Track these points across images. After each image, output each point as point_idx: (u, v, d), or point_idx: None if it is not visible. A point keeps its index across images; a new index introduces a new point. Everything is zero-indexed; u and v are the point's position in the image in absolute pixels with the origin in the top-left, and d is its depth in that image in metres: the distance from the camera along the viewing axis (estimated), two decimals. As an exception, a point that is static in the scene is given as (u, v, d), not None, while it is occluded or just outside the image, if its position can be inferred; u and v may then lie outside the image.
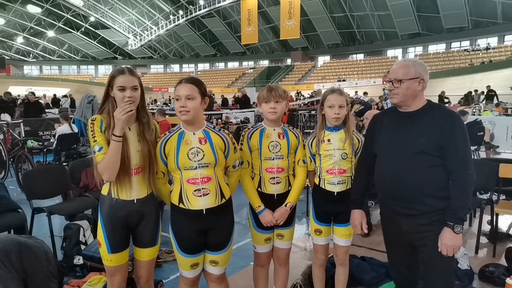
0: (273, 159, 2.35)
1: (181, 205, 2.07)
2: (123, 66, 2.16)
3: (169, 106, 18.47)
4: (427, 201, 1.96)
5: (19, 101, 14.56)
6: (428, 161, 1.95)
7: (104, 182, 2.07)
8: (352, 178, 2.46)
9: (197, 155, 2.03)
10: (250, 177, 2.40)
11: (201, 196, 2.04)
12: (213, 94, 17.82)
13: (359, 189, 2.32)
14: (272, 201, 2.38)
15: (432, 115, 1.98)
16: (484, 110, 12.12)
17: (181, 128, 2.11)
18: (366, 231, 2.29)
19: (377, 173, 2.14)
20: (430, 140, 1.93)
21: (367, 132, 2.33)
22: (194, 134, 2.07)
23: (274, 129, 2.38)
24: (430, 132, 1.94)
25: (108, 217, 2.07)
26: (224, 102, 18.89)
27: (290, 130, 2.43)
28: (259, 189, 2.38)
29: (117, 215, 2.06)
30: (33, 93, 11.46)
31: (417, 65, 1.99)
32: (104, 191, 2.10)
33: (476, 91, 18.77)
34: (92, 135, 1.99)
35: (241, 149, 2.35)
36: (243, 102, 15.11)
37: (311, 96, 13.56)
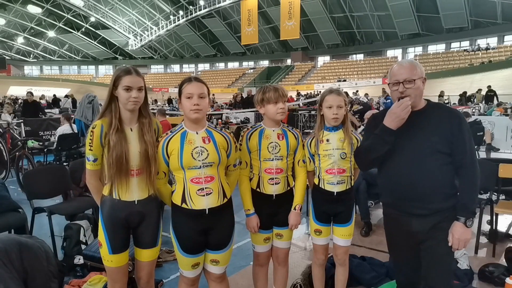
0: (272, 160, 2.34)
1: (184, 205, 2.06)
2: (128, 66, 2.13)
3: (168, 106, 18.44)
4: (442, 199, 1.97)
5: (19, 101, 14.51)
6: (441, 159, 1.96)
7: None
8: (352, 178, 2.46)
9: (201, 154, 2.03)
10: (248, 179, 2.40)
11: (204, 195, 2.04)
12: (213, 94, 17.67)
13: None
14: (271, 201, 2.38)
15: (439, 113, 2.00)
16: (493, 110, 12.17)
17: (183, 127, 2.10)
18: None
19: (389, 175, 2.10)
20: (442, 137, 1.95)
21: (366, 130, 2.30)
22: (197, 133, 2.07)
23: (273, 130, 2.37)
24: (441, 129, 1.96)
25: (109, 218, 2.06)
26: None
27: (289, 130, 2.42)
28: (258, 189, 2.38)
29: (118, 215, 2.06)
30: (31, 93, 11.40)
31: (419, 66, 2.03)
32: (105, 191, 2.09)
33: (480, 90, 18.69)
34: (90, 143, 2.01)
35: (239, 149, 2.34)
36: (250, 102, 14.68)
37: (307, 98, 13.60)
